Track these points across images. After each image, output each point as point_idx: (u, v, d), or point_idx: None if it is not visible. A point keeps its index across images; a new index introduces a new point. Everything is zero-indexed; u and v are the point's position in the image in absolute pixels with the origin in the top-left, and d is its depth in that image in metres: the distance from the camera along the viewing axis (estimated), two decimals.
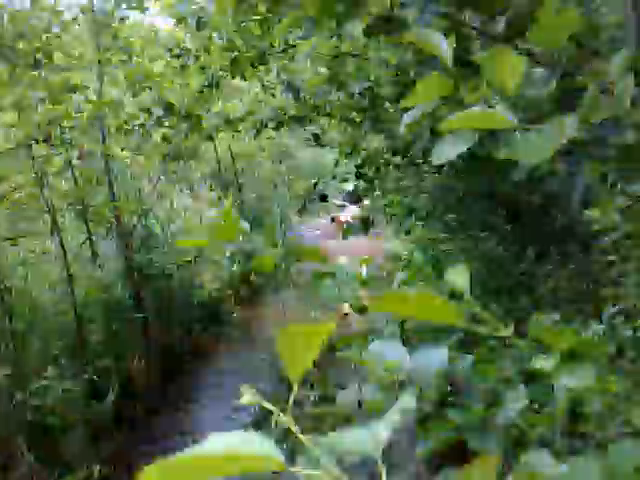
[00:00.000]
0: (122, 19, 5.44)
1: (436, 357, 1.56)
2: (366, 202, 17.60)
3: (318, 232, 19.68)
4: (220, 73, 6.42)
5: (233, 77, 5.11)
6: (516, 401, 1.57)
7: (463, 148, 1.29)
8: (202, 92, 6.44)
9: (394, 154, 6.53)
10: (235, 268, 10.41)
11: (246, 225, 1.90)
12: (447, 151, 1.33)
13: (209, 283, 9.48)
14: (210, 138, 7.88)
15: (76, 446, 5.32)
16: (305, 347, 0.63)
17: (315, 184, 7.92)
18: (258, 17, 4.43)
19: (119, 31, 5.62)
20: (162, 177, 7.63)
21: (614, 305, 4.03)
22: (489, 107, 1.24)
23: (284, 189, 15.21)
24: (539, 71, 1.56)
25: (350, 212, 20.12)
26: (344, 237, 5.93)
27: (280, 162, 14.99)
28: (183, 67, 6.18)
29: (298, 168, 18.23)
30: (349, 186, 17.72)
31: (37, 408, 4.94)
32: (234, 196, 11.76)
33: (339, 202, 21.69)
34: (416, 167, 6.80)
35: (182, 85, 6.31)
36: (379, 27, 1.82)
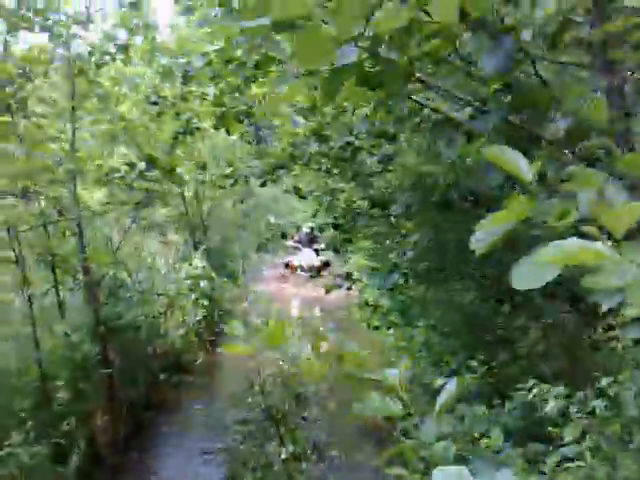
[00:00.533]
0: (98, 65, 5.25)
1: None
2: (320, 245, 17.78)
3: (265, 271, 19.11)
4: (195, 120, 6.34)
5: (216, 129, 4.99)
6: None
7: (549, 278, 1.20)
8: (176, 138, 6.35)
9: (372, 206, 6.48)
10: (200, 314, 10.14)
11: (288, 332, 1.79)
12: (532, 280, 1.23)
13: (173, 330, 9.20)
14: (180, 184, 7.76)
15: None
16: None
17: (284, 235, 7.81)
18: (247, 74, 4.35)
19: (96, 76, 5.43)
20: (133, 224, 7.38)
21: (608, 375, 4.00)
22: (582, 237, 1.16)
23: (247, 228, 15.05)
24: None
25: (304, 256, 20.22)
26: (326, 292, 5.78)
27: (242, 202, 14.80)
28: (159, 114, 6.07)
29: (259, 206, 18.10)
30: (306, 227, 17.97)
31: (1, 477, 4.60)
32: (200, 238, 11.54)
33: (293, 243, 21.20)
34: (388, 218, 6.80)
35: (157, 132, 6.17)
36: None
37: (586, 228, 1.16)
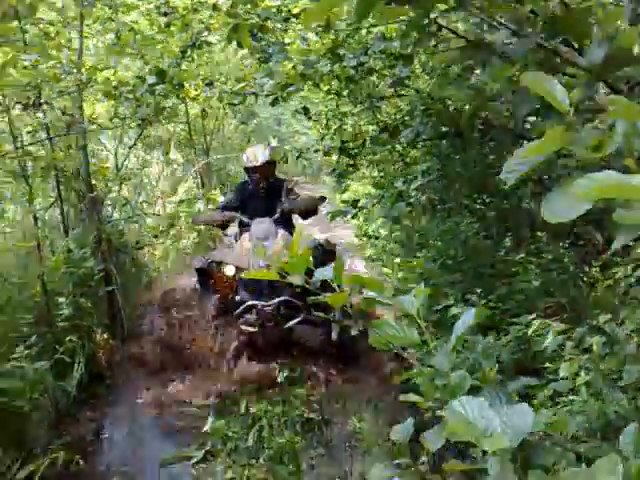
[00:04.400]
0: None
1: (526, 417, 1.44)
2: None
3: None
4: (205, 33, 6.14)
5: (229, 43, 4.77)
6: None
7: (580, 211, 1.14)
8: (185, 52, 6.16)
9: (381, 132, 6.32)
10: (192, 238, 10.06)
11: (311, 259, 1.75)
12: (562, 212, 1.18)
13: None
14: (183, 99, 7.56)
15: (39, 430, 5.02)
16: None
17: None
18: None
19: None
20: (137, 143, 7.22)
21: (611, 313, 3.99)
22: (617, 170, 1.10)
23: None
24: None
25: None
26: (331, 219, 5.51)
27: (246, 123, 14.58)
28: (168, 25, 5.86)
29: (261, 129, 17.89)
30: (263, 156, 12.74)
31: (3, 391, 4.59)
32: (202, 159, 11.38)
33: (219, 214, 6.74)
34: (396, 144, 6.68)
35: (164, 45, 5.98)
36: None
37: (627, 162, 1.09)
